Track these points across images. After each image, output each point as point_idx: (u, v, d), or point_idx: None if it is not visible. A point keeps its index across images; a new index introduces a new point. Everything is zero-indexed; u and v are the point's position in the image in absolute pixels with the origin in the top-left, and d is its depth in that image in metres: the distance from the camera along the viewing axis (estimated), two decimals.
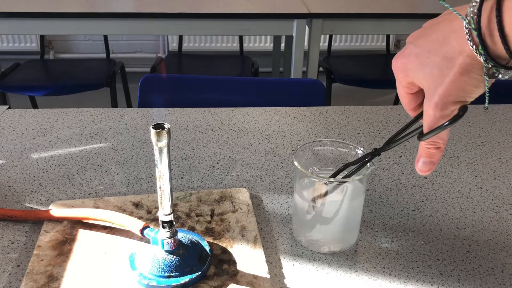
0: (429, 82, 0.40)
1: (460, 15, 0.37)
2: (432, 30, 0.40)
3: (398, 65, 0.43)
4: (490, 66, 0.37)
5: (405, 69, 0.43)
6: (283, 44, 2.53)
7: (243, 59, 2.39)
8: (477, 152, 0.79)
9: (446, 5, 0.40)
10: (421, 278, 0.52)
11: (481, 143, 0.82)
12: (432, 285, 0.51)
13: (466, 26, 0.36)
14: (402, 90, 0.45)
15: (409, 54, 0.42)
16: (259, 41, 3.07)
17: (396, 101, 2.56)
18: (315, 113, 0.91)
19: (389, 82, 2.35)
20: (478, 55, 0.36)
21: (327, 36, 2.66)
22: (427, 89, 0.41)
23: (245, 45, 2.79)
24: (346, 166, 0.52)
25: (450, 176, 0.72)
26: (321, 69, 2.18)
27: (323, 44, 2.73)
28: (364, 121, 0.88)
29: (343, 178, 0.52)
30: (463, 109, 0.40)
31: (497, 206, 0.65)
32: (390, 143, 0.49)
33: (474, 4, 0.36)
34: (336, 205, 0.53)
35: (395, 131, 0.49)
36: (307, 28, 1.83)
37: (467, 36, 0.36)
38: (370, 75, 2.30)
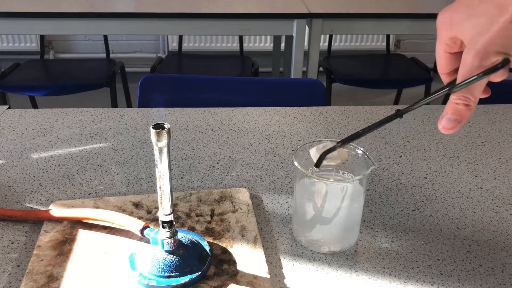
0: (474, 31, 0.39)
1: None
2: None
3: (444, 17, 0.42)
4: None
5: (451, 22, 0.41)
6: (283, 44, 2.52)
7: (243, 59, 2.39)
8: (477, 152, 0.79)
9: None
10: (421, 278, 0.52)
11: (481, 143, 0.82)
12: (432, 285, 0.51)
13: None
14: (441, 49, 0.44)
15: (458, 6, 0.41)
16: (259, 41, 3.07)
17: (396, 101, 2.56)
18: (315, 113, 0.91)
19: (389, 82, 2.35)
20: None
21: (327, 36, 2.66)
22: (470, 40, 0.39)
23: (245, 45, 2.79)
24: (363, 131, 0.48)
25: (450, 176, 0.72)
26: (321, 69, 2.18)
27: (323, 44, 2.73)
28: (364, 121, 0.88)
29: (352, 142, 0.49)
30: (503, 62, 0.38)
31: (497, 206, 0.65)
32: (416, 103, 0.45)
33: None
34: (336, 205, 0.53)
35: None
36: (307, 28, 1.83)
37: None
38: (370, 75, 2.30)
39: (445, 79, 0.45)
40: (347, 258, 0.55)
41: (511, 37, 0.38)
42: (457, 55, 0.43)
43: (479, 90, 0.41)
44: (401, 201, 0.65)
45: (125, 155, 0.74)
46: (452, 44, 0.43)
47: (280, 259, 0.54)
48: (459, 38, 0.41)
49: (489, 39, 0.38)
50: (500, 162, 0.76)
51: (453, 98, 0.42)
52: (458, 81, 0.40)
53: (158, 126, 0.43)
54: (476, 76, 0.39)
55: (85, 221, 0.57)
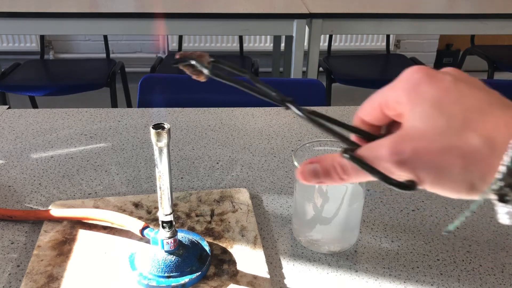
0: (427, 124, 0.30)
1: None
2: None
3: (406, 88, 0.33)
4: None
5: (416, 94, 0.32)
6: (283, 44, 2.52)
7: (243, 59, 2.39)
8: None
9: None
10: (421, 278, 0.52)
11: None
12: (432, 285, 0.51)
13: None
14: (376, 103, 0.36)
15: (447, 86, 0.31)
16: (259, 41, 3.07)
17: None
18: None
19: (389, 82, 2.35)
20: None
21: (327, 36, 2.66)
22: (419, 131, 0.30)
23: (245, 45, 2.79)
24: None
25: None
26: (321, 69, 2.18)
27: (323, 44, 2.73)
28: None
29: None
30: (410, 184, 0.30)
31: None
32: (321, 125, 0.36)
33: None
34: (336, 205, 0.53)
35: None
36: (307, 28, 1.83)
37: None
38: (370, 75, 2.30)
39: (356, 121, 0.37)
40: (347, 258, 0.55)
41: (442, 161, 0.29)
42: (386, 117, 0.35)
43: (360, 178, 0.33)
44: (401, 201, 0.65)
45: (125, 155, 0.74)
46: (388, 113, 0.35)
47: (280, 259, 0.54)
48: (399, 112, 0.33)
49: (426, 147, 0.29)
50: None
51: (337, 160, 0.34)
52: (361, 152, 0.32)
53: (158, 126, 0.43)
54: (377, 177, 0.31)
55: (85, 221, 0.57)
